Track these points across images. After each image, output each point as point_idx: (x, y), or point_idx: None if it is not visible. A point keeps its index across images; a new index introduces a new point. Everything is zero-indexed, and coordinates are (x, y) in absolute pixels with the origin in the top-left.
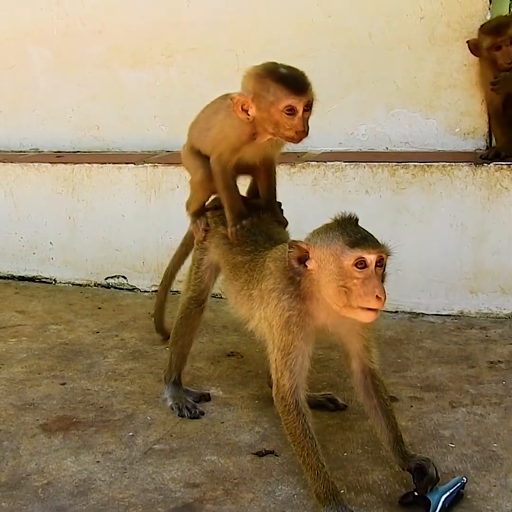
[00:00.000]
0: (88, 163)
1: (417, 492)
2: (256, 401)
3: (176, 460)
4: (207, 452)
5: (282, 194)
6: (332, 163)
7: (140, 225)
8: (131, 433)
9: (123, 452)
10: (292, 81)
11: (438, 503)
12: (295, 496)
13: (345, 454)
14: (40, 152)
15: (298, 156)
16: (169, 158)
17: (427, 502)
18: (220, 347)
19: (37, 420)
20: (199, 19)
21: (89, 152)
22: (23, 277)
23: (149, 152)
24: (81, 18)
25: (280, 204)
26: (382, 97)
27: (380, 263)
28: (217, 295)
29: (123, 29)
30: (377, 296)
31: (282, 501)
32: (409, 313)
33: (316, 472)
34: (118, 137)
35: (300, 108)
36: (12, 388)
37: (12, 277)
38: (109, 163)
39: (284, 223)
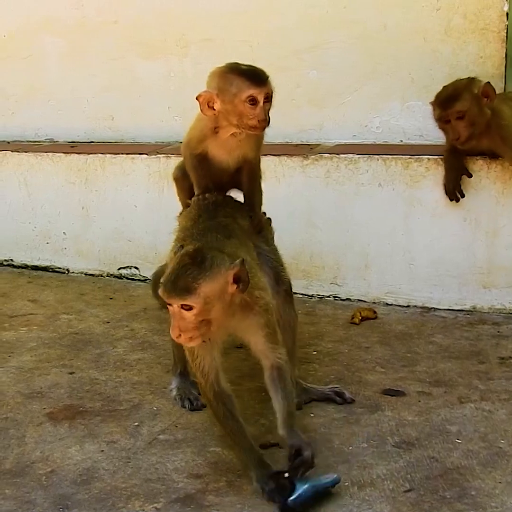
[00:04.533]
0: (102, 153)
1: (289, 474)
2: (263, 394)
3: (180, 450)
4: (211, 443)
5: (295, 186)
6: (345, 155)
7: (152, 216)
8: (136, 423)
9: (127, 441)
10: (252, 74)
11: (301, 491)
12: None
13: (350, 448)
14: (54, 142)
15: (311, 148)
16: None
17: (293, 487)
18: (229, 338)
19: (44, 408)
20: (213, 10)
21: (103, 142)
22: (36, 266)
23: (163, 143)
24: (96, 9)
25: (265, 214)
26: (396, 89)
27: None
28: None
29: (137, 20)
30: None
31: None
32: (421, 307)
33: (242, 451)
34: (132, 128)
35: (261, 98)
36: (21, 377)
37: (26, 267)
38: (123, 153)
39: (259, 225)
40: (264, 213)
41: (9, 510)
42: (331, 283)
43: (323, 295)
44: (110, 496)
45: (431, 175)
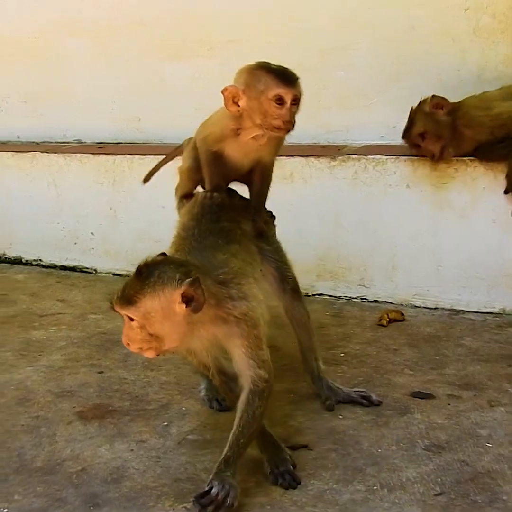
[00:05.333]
0: (130, 154)
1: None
2: (291, 395)
3: (209, 451)
4: None
5: (322, 187)
6: (373, 156)
7: None
8: (165, 423)
9: (157, 441)
10: (282, 74)
11: None
12: (327, 491)
13: (379, 450)
14: (82, 143)
15: (338, 149)
16: None
17: None
18: None
19: (74, 407)
20: (240, 11)
21: (130, 143)
22: (64, 266)
23: None
24: (122, 11)
25: (271, 213)
26: (425, 90)
27: None
28: None
29: (164, 22)
30: None
31: (313, 496)
32: (449, 310)
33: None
34: (159, 129)
35: (288, 99)
36: (51, 375)
37: (54, 266)
38: (150, 154)
39: (260, 230)
40: (270, 212)
41: (40, 507)
42: (358, 285)
43: (350, 297)
44: (140, 495)
45: (460, 176)
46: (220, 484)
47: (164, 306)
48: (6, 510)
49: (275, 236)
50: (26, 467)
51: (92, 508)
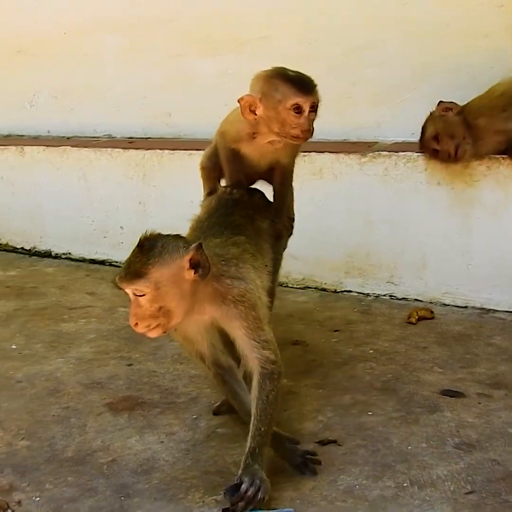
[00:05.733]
0: (159, 149)
1: (230, 506)
2: (320, 390)
3: (238, 444)
4: None
5: (352, 184)
6: (404, 153)
7: None
8: (194, 416)
9: (186, 434)
10: (300, 82)
11: None
12: (357, 486)
13: (409, 447)
14: (112, 138)
15: (369, 146)
16: None
17: None
18: (285, 335)
19: (104, 399)
20: (270, 7)
21: (160, 138)
22: (94, 260)
23: None
24: (153, 7)
25: (292, 219)
26: (456, 87)
27: None
28: (282, 283)
29: (194, 18)
30: None
31: (343, 491)
32: (479, 308)
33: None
34: (189, 124)
35: (306, 107)
36: (81, 367)
37: (84, 260)
38: (180, 149)
39: (279, 232)
40: (292, 218)
41: (71, 497)
42: (387, 282)
43: (379, 294)
44: (170, 486)
45: (492, 174)
46: (250, 479)
47: (173, 273)
48: (38, 498)
49: (281, 246)
50: (57, 457)
51: (123, 498)
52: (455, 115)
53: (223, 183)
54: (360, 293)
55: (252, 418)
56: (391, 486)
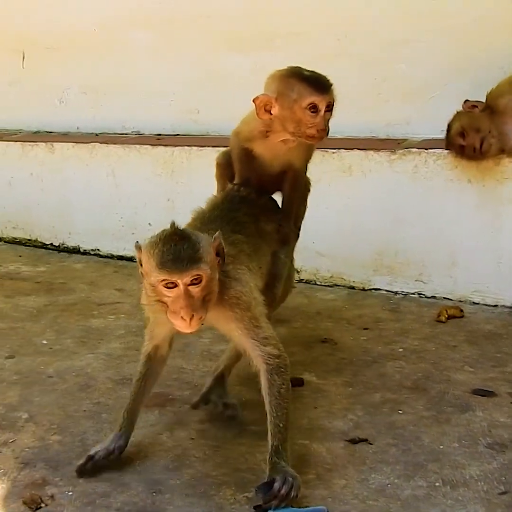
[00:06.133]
0: (188, 146)
1: (263, 505)
2: (350, 389)
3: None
4: (299, 436)
5: (381, 181)
6: (434, 150)
7: None
8: None
9: (217, 430)
10: (316, 81)
11: None
12: (389, 485)
13: (441, 447)
14: (141, 134)
15: (398, 143)
16: None
17: None
18: (313, 333)
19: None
20: (302, 3)
21: (188, 135)
22: (122, 256)
23: None
24: (184, 3)
25: (298, 229)
26: (488, 83)
27: None
28: (310, 281)
29: (225, 14)
30: None
31: (375, 490)
32: (510, 307)
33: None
34: (218, 121)
35: (322, 107)
36: (111, 363)
37: (112, 256)
38: (208, 146)
39: (284, 237)
40: (298, 227)
41: (104, 492)
42: (416, 280)
43: (407, 292)
44: (201, 483)
45: None
46: (282, 477)
47: (212, 258)
48: (70, 493)
49: (289, 252)
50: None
51: (154, 494)
52: (481, 111)
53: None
54: (389, 291)
55: (268, 416)
56: (423, 485)
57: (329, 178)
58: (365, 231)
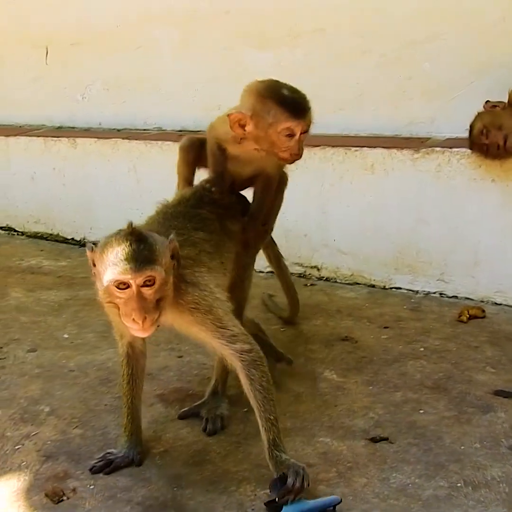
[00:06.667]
0: None
1: (277, 500)
2: (370, 387)
3: (289, 439)
4: (320, 433)
5: (404, 179)
6: (457, 149)
7: None
8: (245, 409)
9: (237, 427)
10: (293, 104)
11: None
12: (410, 485)
13: (462, 447)
14: (163, 130)
15: (422, 142)
16: None
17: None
18: (334, 331)
19: (155, 390)
20: (325, 0)
21: None
22: None
23: None
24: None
25: (269, 229)
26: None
27: None
28: (331, 278)
29: (249, 10)
30: None
31: (396, 489)
32: None
33: (125, 414)
34: None
35: (298, 131)
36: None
37: None
38: None
39: (247, 239)
40: (268, 228)
41: (125, 486)
42: (437, 280)
43: (428, 292)
44: (222, 479)
45: None
46: (293, 471)
47: (167, 261)
48: (92, 487)
49: (254, 255)
50: (110, 446)
51: (175, 489)
52: (502, 109)
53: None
54: (410, 290)
55: (257, 411)
56: (444, 486)
57: (351, 176)
58: (386, 230)
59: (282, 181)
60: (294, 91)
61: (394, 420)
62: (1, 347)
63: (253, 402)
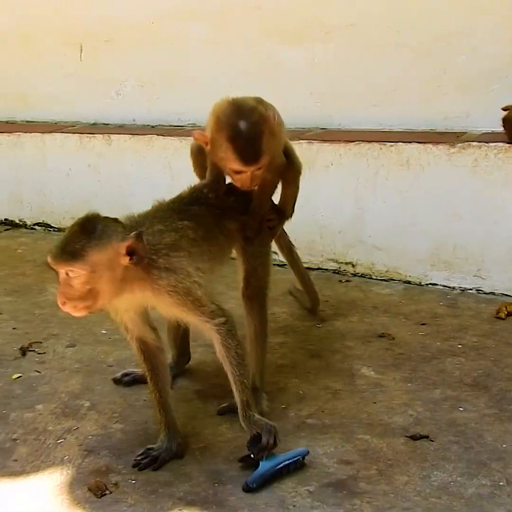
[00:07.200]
0: None
1: (253, 456)
2: (409, 384)
3: (328, 436)
4: (359, 430)
5: (440, 175)
6: (494, 144)
7: (300, 202)
8: (283, 406)
9: (276, 423)
10: (243, 152)
11: (264, 469)
12: (452, 483)
13: (504, 445)
14: (197, 126)
15: (457, 136)
16: (324, 135)
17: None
18: (370, 327)
19: (193, 385)
20: None
21: None
22: None
23: (303, 128)
24: None
25: (291, 211)
26: None
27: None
28: (366, 275)
29: (281, 6)
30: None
31: (438, 487)
32: None
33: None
34: None
35: (248, 171)
36: (169, 354)
37: None
38: None
39: (248, 235)
40: (291, 211)
41: (166, 481)
42: (474, 276)
43: (465, 288)
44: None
45: None
46: (267, 431)
47: (110, 258)
48: (133, 481)
49: (268, 243)
50: (151, 441)
51: (216, 485)
52: None
53: None
54: (446, 286)
55: (231, 377)
56: (487, 484)
57: (386, 171)
58: (422, 225)
59: (293, 170)
60: (251, 126)
61: (434, 418)
62: (41, 342)
63: (228, 368)
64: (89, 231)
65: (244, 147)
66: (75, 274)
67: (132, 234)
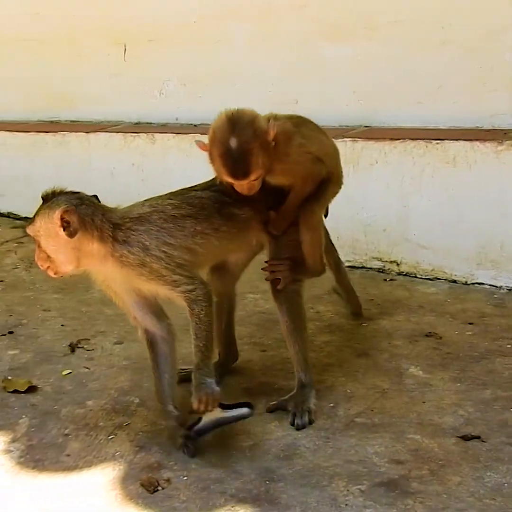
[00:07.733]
0: None
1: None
2: (458, 384)
3: (378, 435)
4: (409, 430)
5: (487, 172)
6: None
7: (344, 200)
8: (331, 404)
9: (325, 422)
10: (233, 167)
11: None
12: (506, 484)
13: None
14: None
15: (505, 134)
16: (368, 133)
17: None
18: (417, 326)
19: (241, 383)
20: None
21: None
22: None
23: (347, 126)
24: None
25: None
26: None
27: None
28: (411, 273)
29: (325, 3)
30: None
31: (491, 488)
32: None
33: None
34: (316, 112)
35: (240, 183)
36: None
37: None
38: None
39: (270, 226)
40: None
41: (218, 478)
42: None
43: None
44: (313, 473)
45: None
46: (198, 398)
47: (48, 227)
48: (185, 478)
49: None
50: (201, 438)
51: (267, 482)
52: None
53: None
54: (493, 285)
55: (193, 341)
56: None
57: (432, 169)
58: (468, 224)
59: (329, 180)
60: (241, 144)
61: (485, 418)
62: (89, 339)
63: (191, 330)
64: (44, 202)
65: (233, 164)
66: (33, 238)
67: (63, 206)
